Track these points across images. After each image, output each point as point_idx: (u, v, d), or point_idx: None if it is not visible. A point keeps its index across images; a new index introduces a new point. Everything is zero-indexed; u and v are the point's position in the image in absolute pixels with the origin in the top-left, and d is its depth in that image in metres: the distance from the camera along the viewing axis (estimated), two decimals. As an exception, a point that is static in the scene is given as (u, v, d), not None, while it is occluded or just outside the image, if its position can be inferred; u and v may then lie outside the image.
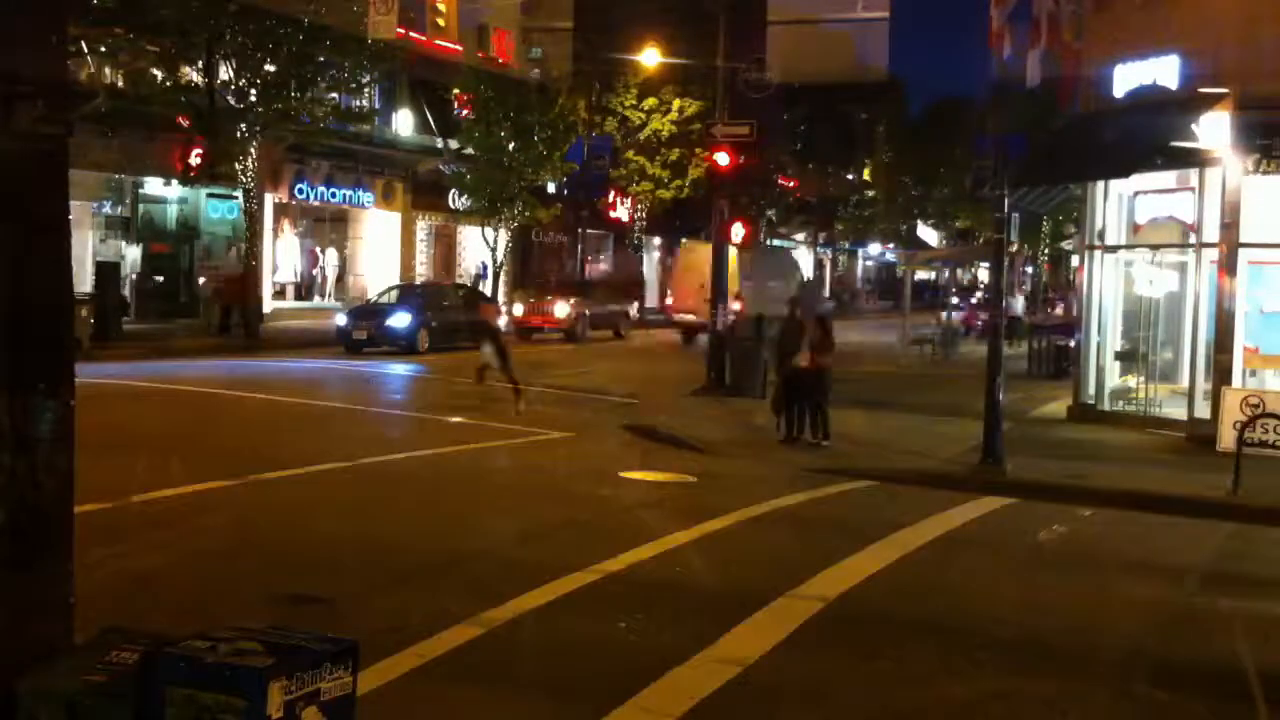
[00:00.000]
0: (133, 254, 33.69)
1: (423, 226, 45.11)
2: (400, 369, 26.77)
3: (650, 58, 44.51)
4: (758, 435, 17.59)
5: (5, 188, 4.35)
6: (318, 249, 42.45)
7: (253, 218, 32.17)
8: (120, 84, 28.95)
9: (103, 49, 28.24)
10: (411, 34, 38.65)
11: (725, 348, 23.52)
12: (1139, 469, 15.96)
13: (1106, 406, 20.63)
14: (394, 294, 33.79)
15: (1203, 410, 18.12)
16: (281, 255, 40.09)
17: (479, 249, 44.44)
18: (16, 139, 4.35)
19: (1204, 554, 11.88)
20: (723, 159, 25.35)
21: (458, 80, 41.57)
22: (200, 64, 30.57)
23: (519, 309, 38.69)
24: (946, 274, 54.87)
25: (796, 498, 13.42)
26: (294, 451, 14.61)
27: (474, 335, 23.55)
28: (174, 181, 33.65)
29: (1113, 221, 20.59)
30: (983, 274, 73.50)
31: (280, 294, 39.41)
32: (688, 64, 41.96)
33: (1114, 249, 20.64)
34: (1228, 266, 18.03)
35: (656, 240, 59.11)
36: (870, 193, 74.42)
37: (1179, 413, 18.93)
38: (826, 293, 66.18)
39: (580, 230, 49.59)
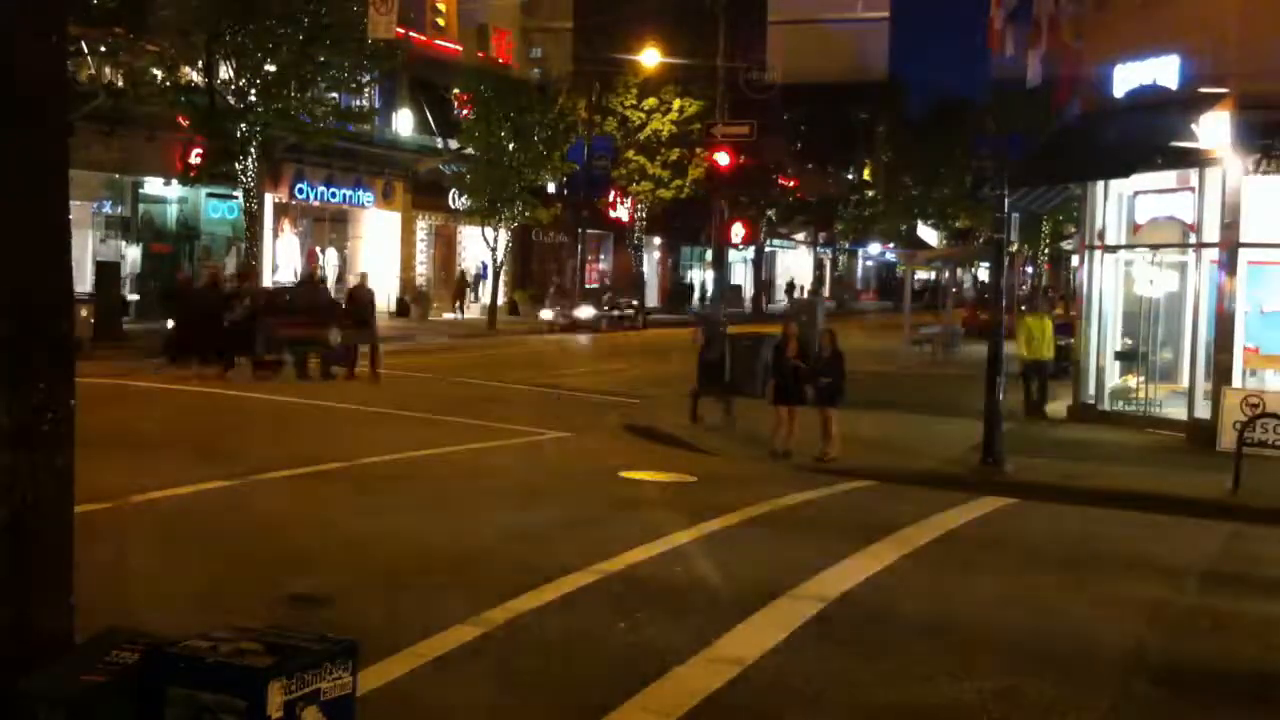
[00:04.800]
0: (133, 254, 33.70)
1: (423, 226, 45.12)
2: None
3: (650, 58, 44.51)
4: (758, 435, 17.57)
5: (5, 189, 4.35)
6: (318, 249, 42.45)
7: (253, 218, 32.16)
8: (120, 84, 28.93)
9: (103, 49, 28.21)
10: (411, 34, 38.64)
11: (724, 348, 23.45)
12: (1139, 469, 15.96)
13: (1106, 406, 20.63)
14: None
15: (1203, 410, 18.12)
16: (281, 255, 40.09)
17: (479, 249, 44.46)
18: (16, 138, 4.35)
19: (1204, 554, 11.88)
20: (723, 159, 25.42)
21: (458, 80, 41.57)
22: (200, 64, 30.56)
23: None
24: (946, 274, 54.89)
25: (796, 498, 13.42)
26: (293, 451, 14.61)
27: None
28: (174, 181, 33.64)
29: (1113, 221, 20.59)
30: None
31: (280, 294, 39.41)
32: (688, 64, 41.98)
33: (1114, 249, 20.63)
34: (1228, 266, 18.02)
35: (656, 240, 59.13)
36: (870, 193, 74.44)
37: (1179, 413, 18.93)
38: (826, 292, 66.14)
39: (580, 230, 49.61)
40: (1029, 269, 76.52)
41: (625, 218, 53.30)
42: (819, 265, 77.37)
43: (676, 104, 48.32)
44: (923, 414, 20.80)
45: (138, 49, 28.58)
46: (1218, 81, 17.61)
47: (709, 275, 53.38)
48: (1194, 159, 18.24)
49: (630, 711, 6.65)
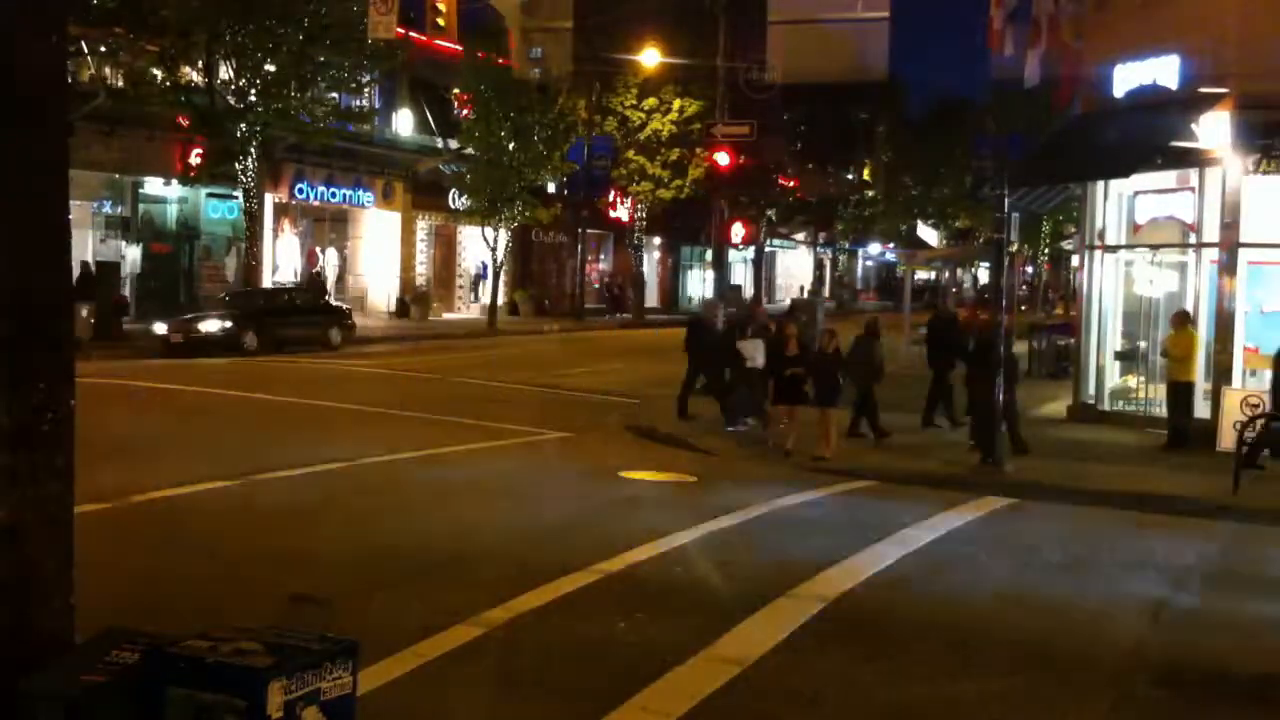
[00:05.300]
0: (133, 254, 33.70)
1: (423, 226, 45.12)
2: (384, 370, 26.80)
3: (650, 58, 44.50)
4: (758, 435, 17.59)
5: (5, 189, 4.35)
6: (318, 249, 42.46)
7: (253, 218, 32.18)
8: (120, 84, 28.95)
9: (103, 49, 28.25)
10: (411, 34, 38.66)
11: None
12: (1139, 469, 15.95)
13: (1106, 406, 20.62)
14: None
15: (1203, 410, 18.10)
16: (281, 255, 40.10)
17: (479, 249, 44.46)
18: (16, 138, 4.35)
19: (1204, 554, 11.88)
20: (723, 159, 25.41)
21: (458, 80, 41.58)
22: (200, 64, 30.58)
23: None
24: (946, 274, 54.93)
25: (796, 498, 13.42)
26: (293, 451, 14.61)
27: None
28: (174, 181, 33.66)
29: (1113, 221, 20.58)
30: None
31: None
32: (688, 64, 41.97)
33: (1114, 249, 20.63)
34: (1228, 266, 18.01)
35: (656, 240, 59.12)
36: (870, 193, 74.43)
37: (1179, 413, 18.90)
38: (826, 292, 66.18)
39: (580, 230, 49.61)
40: (1029, 269, 76.54)
41: (625, 218, 53.29)
42: (819, 265, 77.34)
43: (676, 104, 48.30)
44: (921, 413, 20.74)
45: (138, 49, 28.62)
46: (1218, 81, 17.61)
47: (709, 275, 53.48)
48: (1194, 159, 18.23)
49: (630, 711, 6.65)
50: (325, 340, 30.45)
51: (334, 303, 34.81)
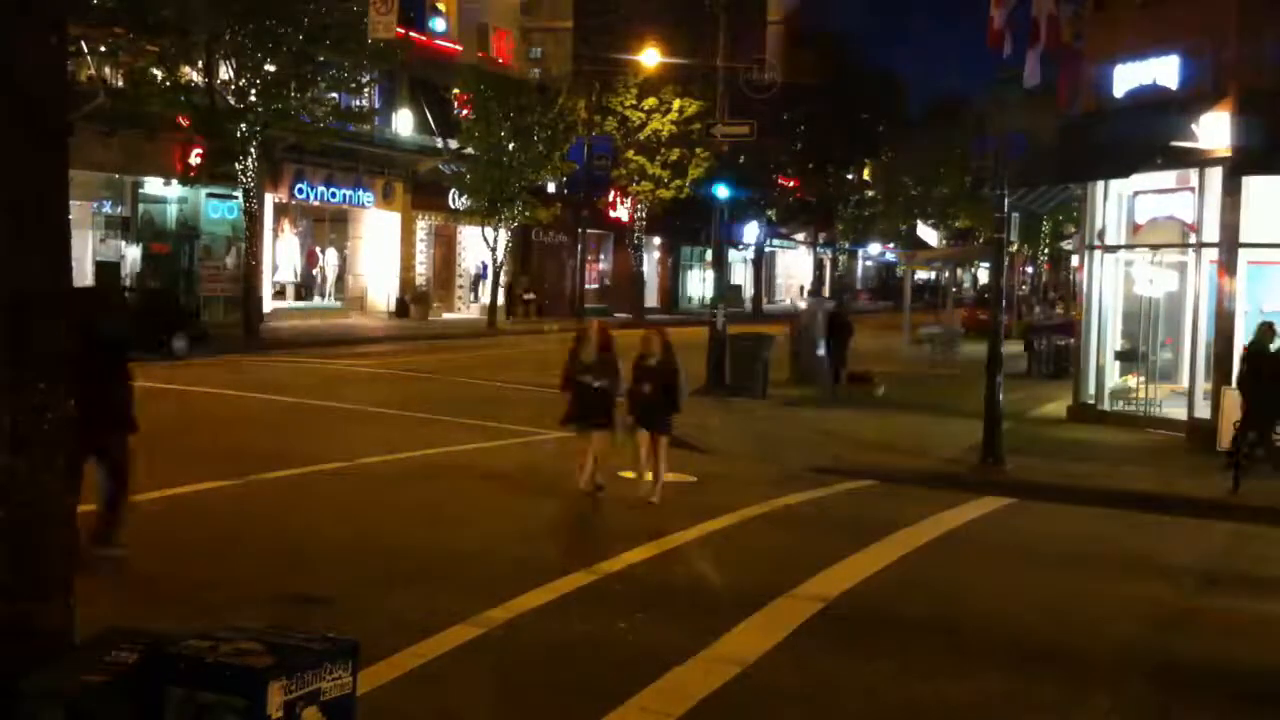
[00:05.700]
0: (133, 254, 33.69)
1: (422, 226, 45.12)
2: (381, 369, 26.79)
3: (650, 58, 44.50)
4: (763, 435, 17.59)
5: (6, 188, 4.35)
6: (317, 249, 42.45)
7: (253, 218, 32.16)
8: (120, 84, 28.92)
9: (103, 49, 28.22)
10: (411, 34, 38.64)
11: (724, 348, 23.49)
12: (1139, 469, 15.96)
13: (1106, 406, 20.63)
14: None
15: (1203, 410, 18.11)
16: (281, 255, 40.09)
17: (479, 249, 44.47)
18: (16, 138, 4.36)
19: (1204, 554, 11.88)
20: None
21: (458, 80, 41.59)
22: (200, 64, 30.57)
23: None
24: (946, 274, 54.88)
25: (796, 498, 13.42)
26: (294, 451, 14.60)
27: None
28: (174, 181, 33.64)
29: (1113, 221, 20.59)
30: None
31: (280, 294, 39.44)
32: (688, 64, 41.92)
33: (1114, 249, 20.63)
34: (1228, 266, 18.01)
35: (656, 240, 59.12)
36: (870, 193, 74.40)
37: (1179, 413, 18.93)
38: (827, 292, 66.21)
39: (580, 230, 49.60)
40: (1029, 269, 76.53)
41: (625, 218, 53.29)
42: (819, 265, 77.35)
43: (676, 104, 48.30)
44: (923, 414, 20.79)
45: (138, 49, 28.60)
46: (1218, 81, 17.61)
47: (709, 275, 53.52)
48: (1194, 159, 18.23)
49: (630, 711, 6.65)
50: (165, 348, 25.74)
51: (184, 305, 31.16)
